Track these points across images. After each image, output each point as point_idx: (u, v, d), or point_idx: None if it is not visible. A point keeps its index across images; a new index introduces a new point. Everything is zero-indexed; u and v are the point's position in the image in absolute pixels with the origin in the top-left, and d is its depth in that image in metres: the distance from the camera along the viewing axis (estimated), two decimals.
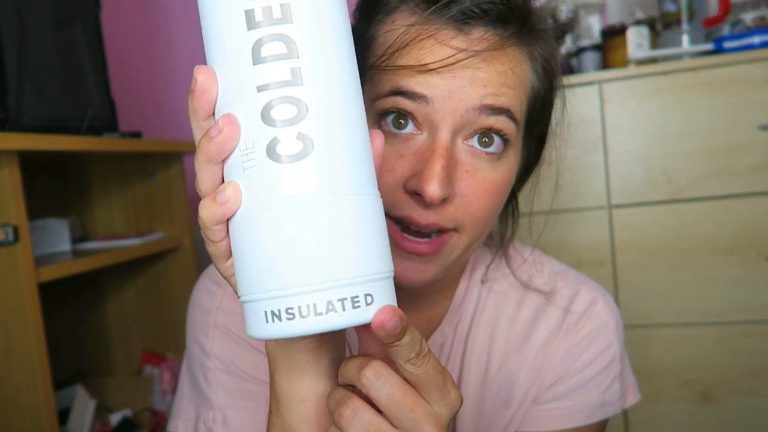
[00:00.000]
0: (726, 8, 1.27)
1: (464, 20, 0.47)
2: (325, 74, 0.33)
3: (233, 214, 0.33)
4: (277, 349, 0.41)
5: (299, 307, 0.31)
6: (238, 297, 0.35)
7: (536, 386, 0.61)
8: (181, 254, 1.54)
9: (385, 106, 0.48)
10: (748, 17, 1.33)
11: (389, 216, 0.49)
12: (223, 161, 0.34)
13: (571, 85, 1.29)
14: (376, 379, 0.35)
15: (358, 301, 0.32)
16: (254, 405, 0.57)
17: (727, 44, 1.23)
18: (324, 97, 0.32)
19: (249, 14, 0.32)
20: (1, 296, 1.03)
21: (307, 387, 0.41)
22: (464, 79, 0.46)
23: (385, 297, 0.34)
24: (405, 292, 0.58)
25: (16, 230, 1.01)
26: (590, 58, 1.43)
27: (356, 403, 0.36)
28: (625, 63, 1.32)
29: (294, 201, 0.32)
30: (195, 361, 0.61)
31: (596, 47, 1.43)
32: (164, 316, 1.58)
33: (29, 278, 1.03)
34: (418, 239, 0.49)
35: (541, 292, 0.63)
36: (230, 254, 0.36)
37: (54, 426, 1.05)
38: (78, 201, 1.61)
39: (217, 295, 0.61)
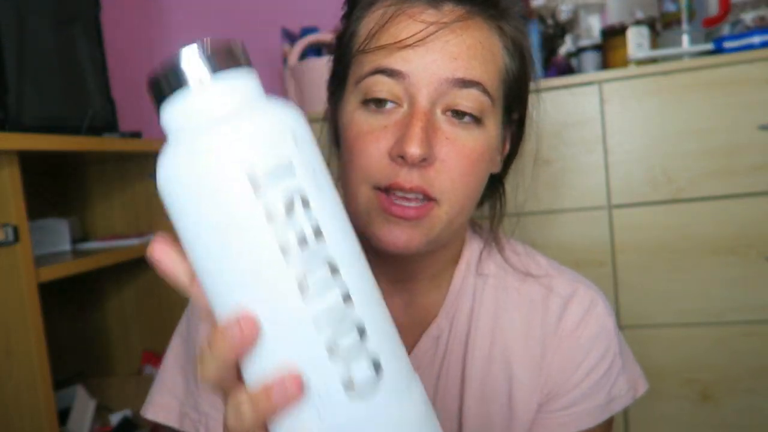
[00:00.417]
0: (726, 8, 1.27)
1: None
2: (360, 280, 0.32)
3: None
4: None
5: None
6: None
7: (539, 386, 0.62)
8: None
9: (368, 84, 0.52)
10: (748, 17, 1.33)
11: (378, 187, 0.52)
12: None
13: (571, 85, 1.29)
14: None
15: None
16: None
17: (727, 44, 1.23)
18: (372, 314, 0.31)
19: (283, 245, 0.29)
20: (1, 296, 1.03)
21: None
22: (436, 52, 0.50)
23: None
24: (399, 278, 0.61)
25: (16, 230, 1.01)
26: (590, 58, 1.43)
27: None
28: (625, 63, 1.32)
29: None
30: (190, 355, 0.63)
31: (596, 47, 1.43)
32: (164, 316, 1.58)
33: (29, 278, 1.03)
34: (405, 204, 0.51)
35: (540, 284, 0.64)
36: None
37: (54, 426, 1.05)
38: (78, 201, 1.61)
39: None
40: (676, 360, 1.29)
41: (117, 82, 1.46)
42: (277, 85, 2.07)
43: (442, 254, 0.61)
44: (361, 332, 0.30)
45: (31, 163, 1.33)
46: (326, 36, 1.58)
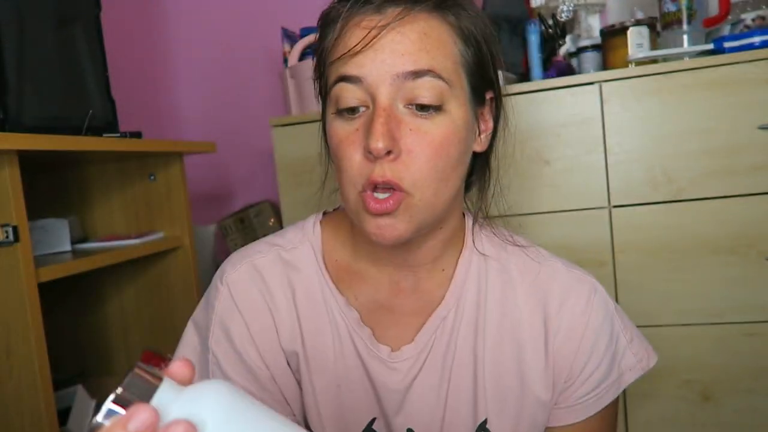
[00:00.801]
0: (726, 8, 1.27)
1: (381, 3, 0.56)
2: None
3: None
4: None
5: None
6: None
7: (549, 367, 0.67)
8: (181, 254, 1.54)
9: (335, 92, 0.58)
10: (748, 17, 1.33)
11: (360, 190, 0.57)
12: None
13: (571, 85, 1.29)
14: None
15: None
16: None
17: (727, 44, 1.23)
18: None
19: None
20: (1, 296, 1.03)
21: None
22: (384, 52, 0.55)
23: None
24: (404, 264, 0.66)
25: (16, 230, 1.01)
26: (590, 58, 1.43)
27: None
28: (625, 63, 1.32)
29: None
30: (203, 341, 0.67)
31: (596, 47, 1.43)
32: (164, 316, 1.58)
33: (29, 278, 1.03)
34: (381, 198, 0.56)
35: (541, 266, 0.69)
36: None
37: (54, 426, 1.05)
38: (78, 201, 1.61)
39: (219, 296, 0.66)
40: (676, 360, 1.29)
41: (117, 82, 1.46)
42: (277, 85, 2.07)
43: (438, 238, 0.65)
44: None
45: (31, 163, 1.33)
46: None
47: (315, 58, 0.64)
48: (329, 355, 0.66)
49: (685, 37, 1.32)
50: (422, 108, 0.56)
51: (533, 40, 1.39)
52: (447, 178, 0.58)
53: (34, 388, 1.03)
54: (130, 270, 1.59)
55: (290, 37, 1.72)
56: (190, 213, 1.55)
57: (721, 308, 1.26)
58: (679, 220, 1.26)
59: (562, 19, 1.51)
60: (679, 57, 1.28)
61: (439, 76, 0.56)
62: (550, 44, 1.49)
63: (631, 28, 1.31)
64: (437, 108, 0.56)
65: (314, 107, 1.48)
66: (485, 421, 0.66)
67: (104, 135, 1.31)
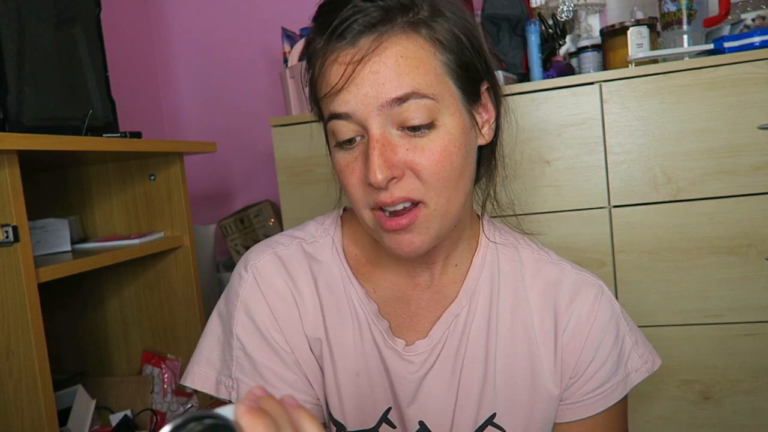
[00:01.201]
0: (726, 8, 1.27)
1: (353, 36, 0.55)
2: None
3: None
4: None
5: None
6: None
7: (558, 363, 0.68)
8: (181, 254, 1.54)
9: (330, 128, 0.59)
10: (748, 17, 1.33)
11: (371, 208, 0.60)
12: None
13: (571, 85, 1.29)
14: None
15: None
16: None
17: (727, 44, 1.23)
18: None
19: None
20: (1, 296, 1.03)
21: None
22: (366, 85, 0.55)
23: None
24: (418, 262, 0.68)
25: (16, 230, 1.01)
26: (590, 58, 1.43)
27: None
28: (625, 63, 1.32)
29: None
30: (226, 329, 0.69)
31: (596, 47, 1.43)
32: (164, 316, 1.58)
33: (29, 278, 1.03)
34: (396, 217, 0.58)
35: (553, 265, 0.71)
36: None
37: (54, 426, 1.05)
38: (78, 201, 1.61)
39: (243, 283, 0.68)
40: (676, 360, 1.29)
41: (117, 82, 1.46)
42: (277, 85, 2.07)
43: (451, 237, 0.67)
44: None
45: (31, 163, 1.33)
46: None
47: (308, 87, 0.65)
48: (349, 343, 0.68)
49: (685, 37, 1.32)
50: (414, 129, 0.56)
51: (533, 40, 1.39)
52: (455, 185, 0.59)
53: (34, 388, 1.03)
54: (130, 270, 1.59)
55: (290, 37, 1.72)
56: (190, 213, 1.55)
57: (721, 308, 1.26)
58: (679, 220, 1.26)
59: (562, 19, 1.51)
60: (679, 57, 1.28)
61: (424, 95, 0.56)
62: (550, 44, 1.49)
63: (631, 28, 1.31)
64: (429, 126, 0.57)
65: None
66: (494, 416, 0.67)
67: (104, 135, 1.31)
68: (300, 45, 1.56)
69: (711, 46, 1.25)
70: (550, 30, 1.50)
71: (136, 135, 1.37)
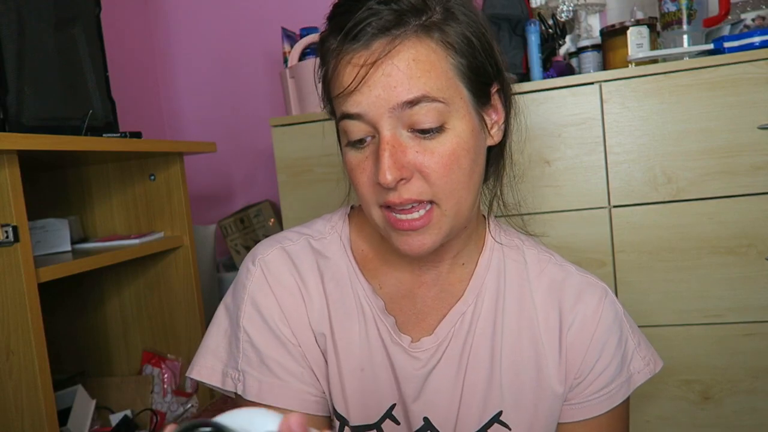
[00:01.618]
0: (726, 8, 1.27)
1: (367, 39, 0.56)
2: None
3: None
4: None
5: None
6: None
7: (562, 363, 0.69)
8: (181, 254, 1.54)
9: (342, 128, 0.60)
10: (748, 17, 1.33)
11: (380, 206, 0.61)
12: None
13: (571, 85, 1.29)
14: None
15: None
16: (266, 378, 0.66)
17: (727, 44, 1.23)
18: None
19: None
20: (1, 296, 1.03)
21: None
22: (378, 87, 0.56)
23: None
24: (426, 261, 0.70)
25: (16, 230, 1.01)
26: (590, 58, 1.43)
27: None
28: (625, 63, 1.32)
29: None
30: (233, 322, 0.69)
31: (596, 47, 1.43)
32: (164, 316, 1.58)
33: (29, 278, 1.03)
34: (409, 217, 0.60)
35: (558, 267, 0.72)
36: None
37: (54, 426, 1.05)
38: (78, 201, 1.61)
39: (251, 276, 0.69)
40: (676, 360, 1.29)
41: (117, 82, 1.46)
42: (277, 85, 2.07)
43: (460, 236, 0.68)
44: None
45: (31, 163, 1.33)
46: None
47: (322, 85, 0.65)
48: (355, 338, 0.68)
49: (685, 37, 1.32)
50: (424, 131, 0.57)
51: (533, 40, 1.39)
52: (465, 186, 0.60)
53: (34, 388, 1.03)
54: (130, 270, 1.59)
55: (290, 38, 1.72)
56: (190, 213, 1.55)
57: (721, 308, 1.26)
58: (679, 220, 1.26)
59: (562, 19, 1.51)
60: (679, 57, 1.28)
61: (435, 99, 0.57)
62: (550, 44, 1.49)
63: (631, 28, 1.31)
64: (439, 129, 0.58)
65: (314, 107, 1.48)
66: (500, 413, 0.68)
67: (104, 135, 1.31)
68: (300, 45, 1.56)
69: (711, 46, 1.25)
70: (550, 30, 1.50)
71: (136, 135, 1.37)
